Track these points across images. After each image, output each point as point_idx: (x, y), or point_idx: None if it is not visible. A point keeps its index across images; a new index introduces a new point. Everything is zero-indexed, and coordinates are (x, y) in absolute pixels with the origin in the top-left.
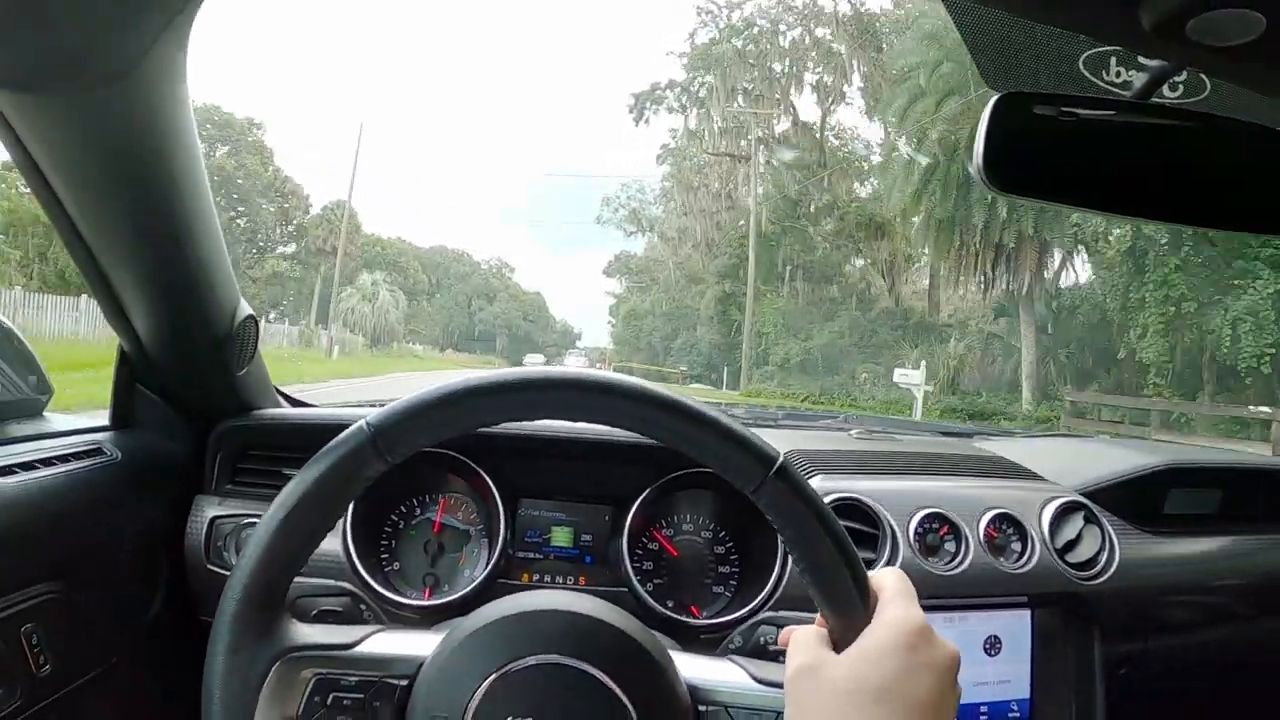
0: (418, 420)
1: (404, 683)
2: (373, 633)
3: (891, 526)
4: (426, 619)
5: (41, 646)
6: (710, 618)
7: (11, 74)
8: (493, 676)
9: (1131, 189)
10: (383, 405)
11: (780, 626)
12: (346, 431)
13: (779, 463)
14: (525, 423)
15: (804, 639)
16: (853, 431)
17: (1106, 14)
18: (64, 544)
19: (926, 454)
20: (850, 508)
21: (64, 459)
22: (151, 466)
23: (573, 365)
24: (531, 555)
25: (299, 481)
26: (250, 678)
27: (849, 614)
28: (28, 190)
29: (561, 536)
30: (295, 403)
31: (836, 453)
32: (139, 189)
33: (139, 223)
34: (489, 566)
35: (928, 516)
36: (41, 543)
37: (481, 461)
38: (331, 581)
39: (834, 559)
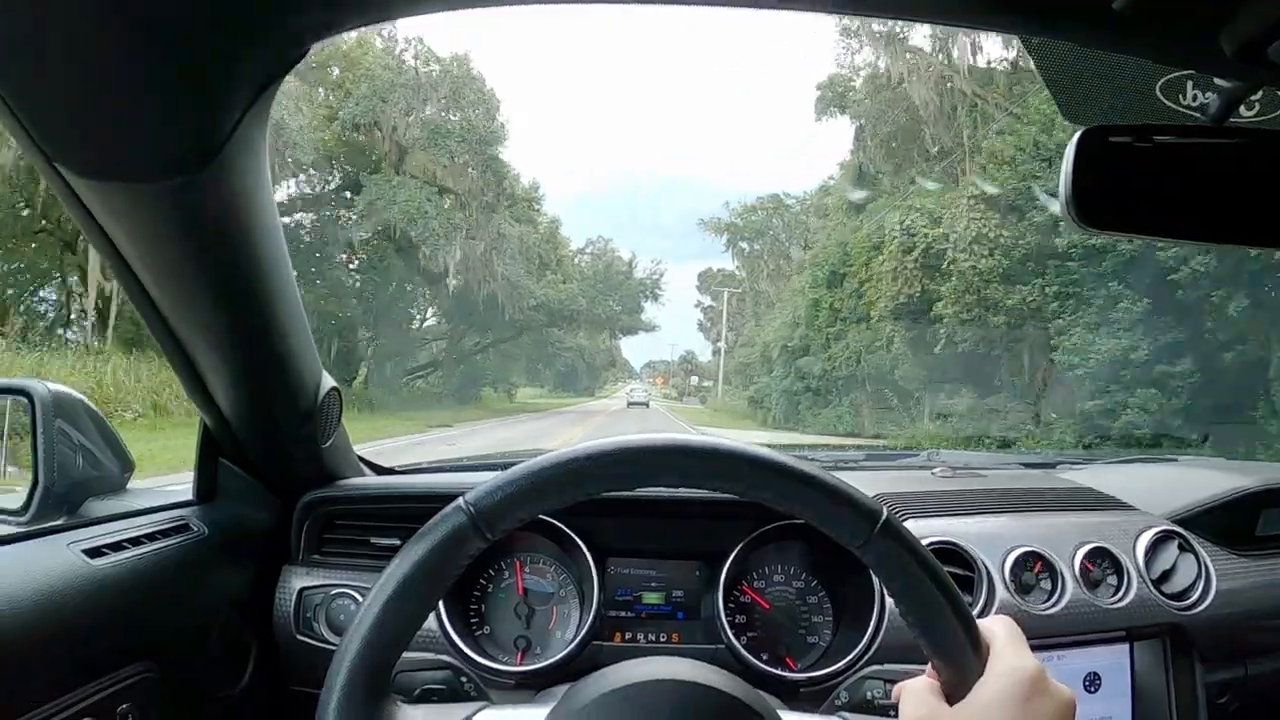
0: (518, 496)
1: None
2: (478, 710)
3: (986, 568)
4: (525, 685)
5: None
6: (806, 669)
7: (92, 164)
8: None
9: (1220, 214)
10: (452, 464)
11: (886, 679)
12: (445, 511)
13: (884, 518)
14: None
15: (917, 693)
16: (936, 470)
17: (1185, 42)
18: (156, 622)
19: (1015, 490)
20: (945, 551)
21: (151, 537)
22: (237, 539)
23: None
24: (623, 614)
25: (399, 565)
26: None
27: (962, 665)
28: None
29: (653, 594)
30: (377, 469)
31: (924, 494)
32: (222, 270)
33: (222, 304)
34: (584, 629)
35: (1022, 555)
36: (134, 623)
37: (570, 522)
38: (430, 655)
39: (944, 611)
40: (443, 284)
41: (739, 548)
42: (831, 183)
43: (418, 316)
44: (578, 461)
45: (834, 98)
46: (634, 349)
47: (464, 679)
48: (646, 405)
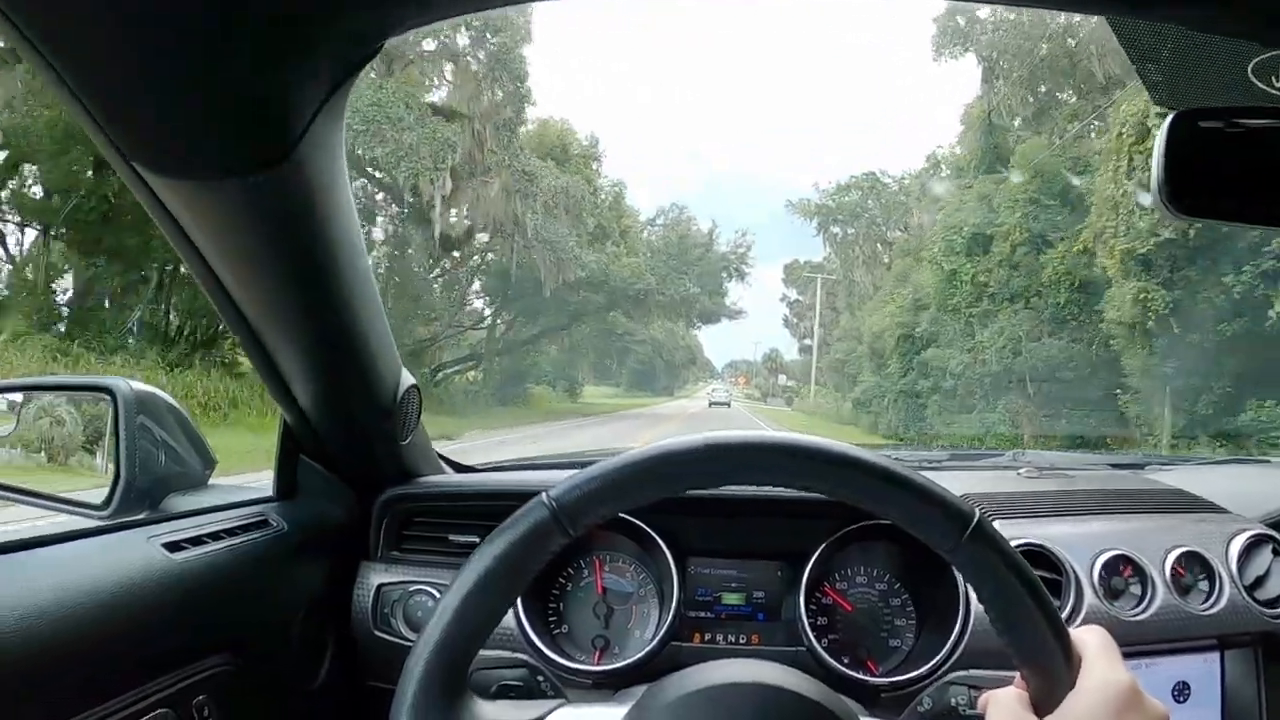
0: (601, 492)
1: None
2: (556, 708)
3: (1075, 572)
4: (603, 684)
5: (213, 718)
6: (888, 673)
7: (169, 162)
8: None
9: None
10: (533, 462)
11: (972, 686)
12: (528, 505)
13: (976, 521)
14: None
15: (1005, 703)
16: (1022, 470)
17: (1277, 20)
18: (234, 616)
19: (1103, 491)
20: (1033, 554)
21: (231, 532)
22: (316, 535)
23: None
24: (703, 614)
25: (479, 559)
26: None
27: (1052, 676)
28: None
29: (733, 595)
30: (456, 466)
31: (1011, 495)
32: (300, 267)
33: (301, 301)
34: (663, 628)
35: (1111, 559)
36: (213, 616)
37: (650, 521)
38: (507, 653)
39: (1036, 619)
40: (464, 244)
41: (822, 548)
42: (942, 150)
43: (439, 294)
44: (660, 458)
45: (955, 32)
46: (716, 346)
47: (540, 677)
48: (728, 405)
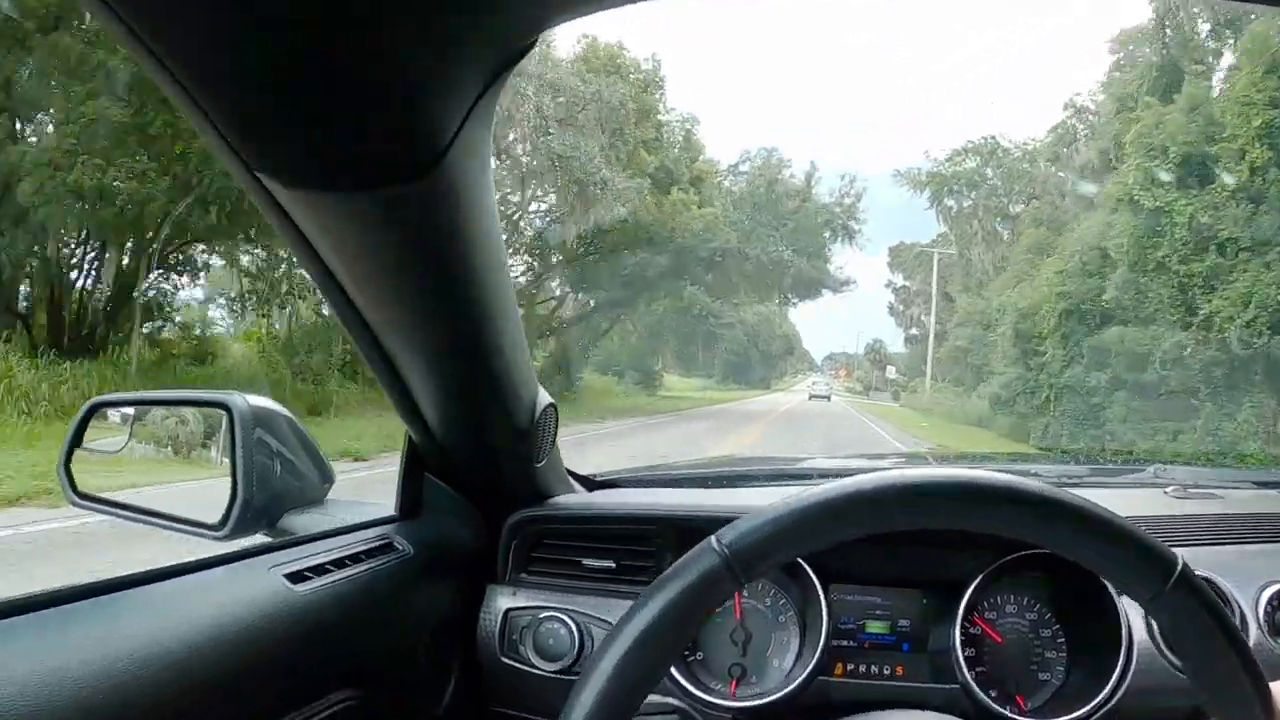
0: (779, 537)
1: None
2: None
3: (1239, 606)
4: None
5: None
6: (1037, 709)
7: (300, 174)
8: None
9: None
10: (660, 477)
11: None
12: (695, 552)
13: (1180, 569)
14: None
15: None
16: (1169, 489)
17: None
18: (359, 649)
19: (1262, 514)
20: None
21: (356, 558)
22: (442, 558)
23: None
24: (845, 644)
25: (642, 610)
26: None
27: None
28: None
29: (877, 623)
30: (585, 481)
31: (1163, 519)
32: (439, 282)
33: (437, 314)
34: (812, 660)
35: (1278, 592)
36: (337, 650)
37: None
38: (657, 697)
39: (1238, 673)
40: None
41: (979, 578)
42: (1080, 98)
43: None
44: (845, 500)
45: None
46: (814, 338)
47: None
48: (828, 399)
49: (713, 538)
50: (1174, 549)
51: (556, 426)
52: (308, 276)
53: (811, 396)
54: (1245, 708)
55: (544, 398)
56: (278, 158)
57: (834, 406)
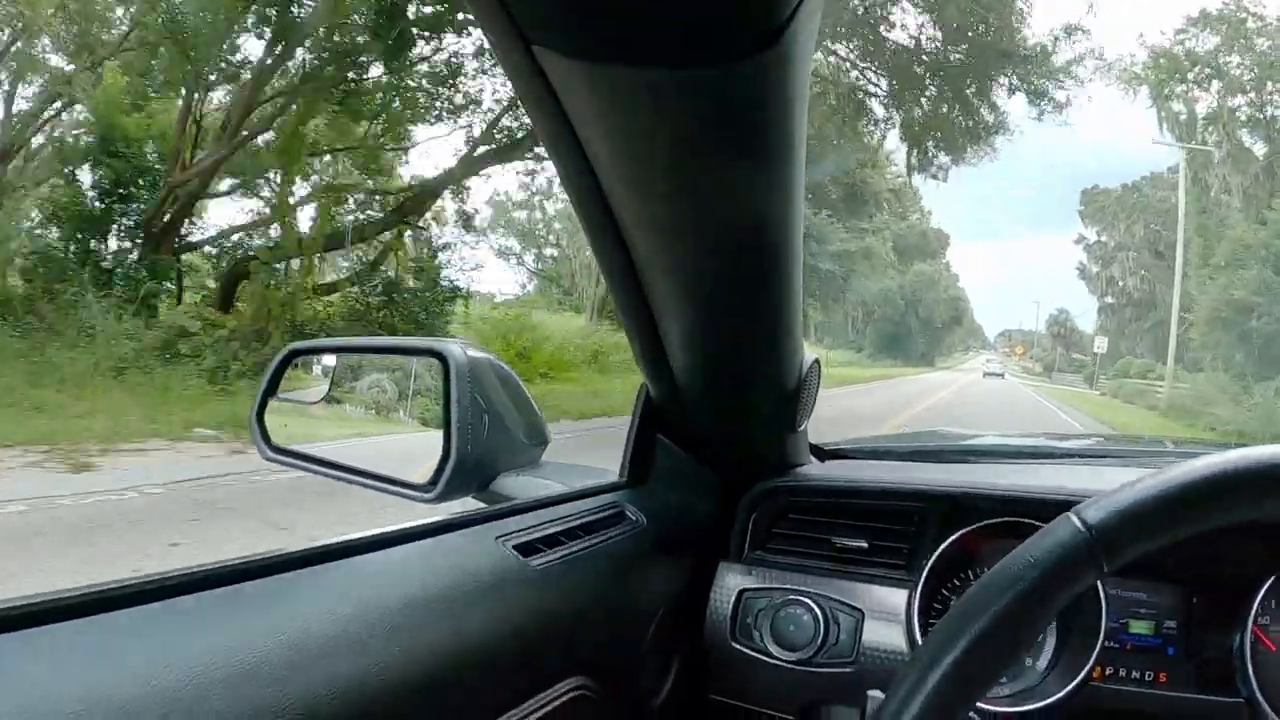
0: (1159, 517)
1: None
2: None
3: None
4: None
5: None
6: None
7: (598, 42)
8: None
9: None
10: (902, 447)
11: None
12: (1052, 527)
13: None
14: None
15: None
16: None
17: None
18: (592, 630)
19: None
20: None
21: (588, 528)
22: (674, 531)
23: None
24: (1107, 644)
25: (986, 594)
26: None
27: None
28: None
29: (1140, 623)
30: (819, 452)
31: None
32: (732, 197)
33: (719, 241)
34: (1088, 662)
35: None
36: (572, 631)
37: None
38: None
39: None
40: None
41: (1271, 580)
42: None
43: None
44: (1255, 473)
45: None
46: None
47: None
48: (1002, 376)
49: (1073, 514)
50: None
51: (819, 386)
52: (562, 186)
53: (986, 374)
54: None
55: (809, 354)
56: (566, 23)
57: (1007, 384)
